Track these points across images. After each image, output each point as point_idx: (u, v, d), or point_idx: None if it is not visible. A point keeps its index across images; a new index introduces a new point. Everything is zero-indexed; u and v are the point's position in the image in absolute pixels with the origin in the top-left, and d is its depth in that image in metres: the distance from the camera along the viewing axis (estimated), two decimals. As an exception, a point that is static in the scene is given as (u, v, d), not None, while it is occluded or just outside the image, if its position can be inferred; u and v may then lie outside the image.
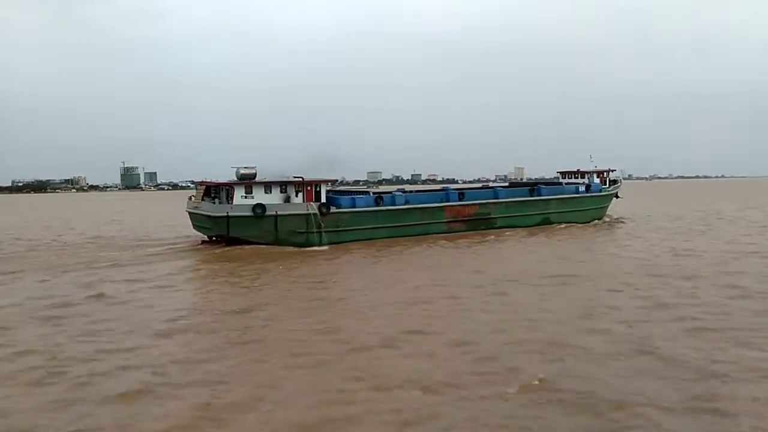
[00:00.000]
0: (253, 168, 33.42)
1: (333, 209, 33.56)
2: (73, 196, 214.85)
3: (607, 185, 46.75)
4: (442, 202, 37.85)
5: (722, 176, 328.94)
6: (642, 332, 13.69)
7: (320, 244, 32.18)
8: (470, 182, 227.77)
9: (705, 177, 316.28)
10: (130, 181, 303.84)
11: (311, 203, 33.08)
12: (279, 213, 32.18)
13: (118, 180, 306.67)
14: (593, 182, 45.41)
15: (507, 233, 36.57)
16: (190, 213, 34.92)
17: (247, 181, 32.85)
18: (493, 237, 35.07)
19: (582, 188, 43.81)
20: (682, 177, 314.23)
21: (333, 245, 32.20)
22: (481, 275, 22.32)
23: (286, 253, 29.81)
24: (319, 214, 32.65)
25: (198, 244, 33.48)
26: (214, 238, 33.98)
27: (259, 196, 32.55)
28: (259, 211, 31.68)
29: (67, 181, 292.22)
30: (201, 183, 35.43)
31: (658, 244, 30.56)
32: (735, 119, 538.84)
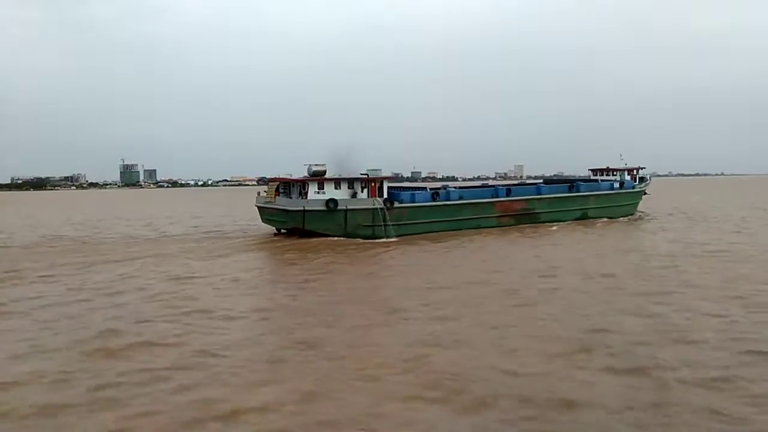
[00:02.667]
0: (323, 165, 35.57)
1: (396, 204, 35.78)
2: (76, 193, 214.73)
3: (637, 182, 49.27)
4: (492, 197, 40.17)
5: (722, 174, 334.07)
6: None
7: (387, 237, 34.34)
8: (470, 180, 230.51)
9: (705, 174, 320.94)
10: (129, 178, 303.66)
11: (377, 198, 35.27)
12: (349, 207, 34.35)
13: (117, 177, 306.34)
14: (625, 179, 47.92)
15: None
16: (260, 207, 37.02)
17: (319, 177, 35.00)
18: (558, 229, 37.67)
19: (616, 185, 46.37)
20: (682, 175, 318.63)
21: (398, 237, 34.44)
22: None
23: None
24: (385, 208, 34.88)
25: (272, 236, 35.77)
26: (283, 231, 36.19)
27: (330, 192, 34.72)
28: (332, 205, 33.84)
29: (66, 178, 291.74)
30: (272, 179, 37.48)
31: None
32: (734, 117, 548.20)
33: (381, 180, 36.28)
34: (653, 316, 15.03)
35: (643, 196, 49.89)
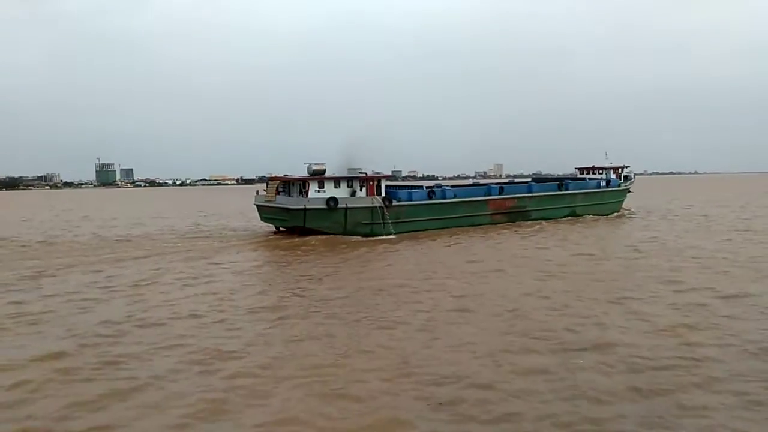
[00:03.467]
0: (323, 164, 36.24)
1: (394, 202, 36.56)
2: (50, 193, 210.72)
3: (622, 181, 50.86)
4: (486, 196, 41.18)
5: (695, 172, 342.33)
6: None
7: (387, 234, 35.09)
8: (450, 179, 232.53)
9: (679, 173, 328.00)
10: (105, 177, 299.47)
11: (376, 197, 36.02)
12: (349, 206, 35.03)
13: (93, 177, 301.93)
14: (611, 178, 49.46)
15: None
16: (259, 206, 37.43)
17: (320, 176, 35.61)
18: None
19: (603, 183, 47.84)
20: (657, 173, 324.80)
21: (397, 234, 35.23)
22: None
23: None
24: (384, 206, 35.63)
25: (271, 234, 36.26)
26: (282, 229, 36.70)
27: (330, 190, 35.37)
28: (332, 204, 34.49)
29: (40, 177, 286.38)
30: (272, 178, 37.89)
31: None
32: (706, 117, 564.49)
33: (379, 179, 37.07)
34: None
35: (627, 194, 51.48)
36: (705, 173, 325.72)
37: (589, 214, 45.17)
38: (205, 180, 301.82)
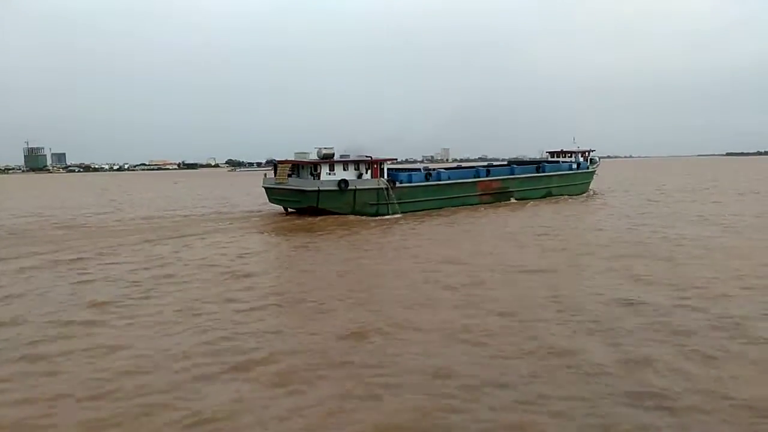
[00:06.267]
0: (332, 148, 38.18)
1: (397, 184, 38.95)
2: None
3: (589, 164, 55.32)
4: (475, 177, 44.27)
5: (630, 156, 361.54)
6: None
7: (393, 214, 37.45)
8: (401, 163, 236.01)
9: (615, 157, 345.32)
10: (35, 162, 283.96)
11: (381, 179, 38.29)
12: (357, 187, 37.13)
13: (21, 162, 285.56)
14: (580, 161, 53.78)
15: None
16: (268, 188, 38.97)
17: (330, 159, 37.49)
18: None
19: (574, 166, 52.06)
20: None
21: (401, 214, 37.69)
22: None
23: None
24: (389, 188, 37.98)
25: (282, 214, 37.93)
26: (291, 210, 38.40)
27: (340, 173, 37.37)
28: (343, 185, 36.51)
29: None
30: (282, 162, 39.28)
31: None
32: (637, 102, 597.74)
33: (382, 162, 39.29)
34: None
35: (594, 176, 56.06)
36: (638, 157, 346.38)
37: (562, 195, 49.23)
38: (144, 165, 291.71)
